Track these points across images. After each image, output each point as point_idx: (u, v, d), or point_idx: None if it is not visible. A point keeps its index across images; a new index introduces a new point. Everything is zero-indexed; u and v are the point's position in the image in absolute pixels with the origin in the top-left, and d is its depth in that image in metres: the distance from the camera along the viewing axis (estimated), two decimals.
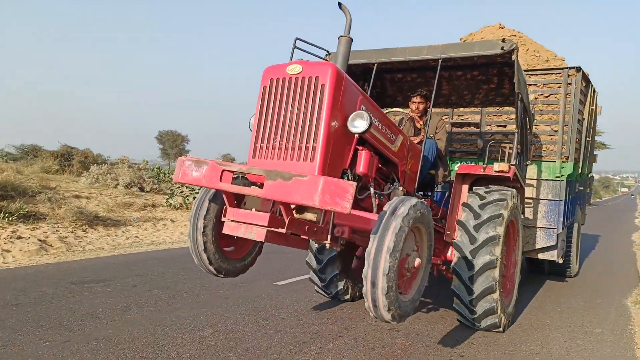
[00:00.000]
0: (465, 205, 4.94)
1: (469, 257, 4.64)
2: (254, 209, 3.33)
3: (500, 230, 4.64)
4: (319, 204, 2.75)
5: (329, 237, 3.48)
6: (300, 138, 3.37)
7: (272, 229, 3.15)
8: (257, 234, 3.17)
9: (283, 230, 3.13)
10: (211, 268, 3.71)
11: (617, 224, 22.19)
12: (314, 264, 5.69)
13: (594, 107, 8.04)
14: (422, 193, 5.83)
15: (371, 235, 3.08)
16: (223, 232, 3.36)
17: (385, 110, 6.83)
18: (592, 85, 7.69)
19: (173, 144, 54.10)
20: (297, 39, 4.56)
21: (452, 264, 4.77)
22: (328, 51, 5.44)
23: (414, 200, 3.25)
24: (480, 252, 4.61)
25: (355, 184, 2.77)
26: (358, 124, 3.45)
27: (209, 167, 3.18)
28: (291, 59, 4.36)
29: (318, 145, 3.31)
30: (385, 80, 6.42)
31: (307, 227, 3.28)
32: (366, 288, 3.07)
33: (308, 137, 3.35)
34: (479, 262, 4.60)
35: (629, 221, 24.67)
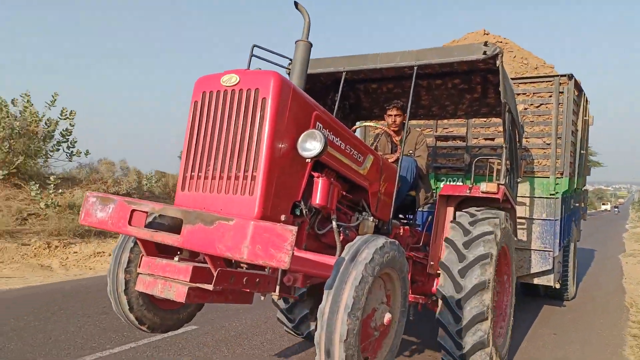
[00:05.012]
0: (447, 241, 4.22)
1: (455, 308, 3.92)
2: (176, 258, 2.61)
3: (491, 271, 3.94)
4: (247, 257, 2.08)
5: (277, 287, 2.79)
6: (237, 165, 2.69)
7: (198, 284, 2.45)
8: (177, 293, 2.44)
9: (210, 287, 2.42)
10: (131, 317, 2.86)
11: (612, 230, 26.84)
12: (280, 302, 4.94)
13: (586, 118, 7.48)
14: (402, 216, 5.18)
15: (325, 290, 2.40)
16: (136, 289, 2.64)
17: (359, 124, 6.22)
18: (584, 94, 7.14)
19: None
20: (254, 45, 3.94)
21: (436, 315, 4.04)
22: (291, 59, 4.80)
23: (380, 241, 2.58)
24: (469, 301, 3.87)
25: (295, 229, 2.09)
26: (309, 146, 2.77)
27: (116, 206, 2.49)
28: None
29: (259, 173, 2.63)
30: (358, 91, 5.78)
31: (245, 279, 2.58)
32: (319, 357, 2.39)
33: (247, 163, 2.67)
34: (467, 315, 3.86)
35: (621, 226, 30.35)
